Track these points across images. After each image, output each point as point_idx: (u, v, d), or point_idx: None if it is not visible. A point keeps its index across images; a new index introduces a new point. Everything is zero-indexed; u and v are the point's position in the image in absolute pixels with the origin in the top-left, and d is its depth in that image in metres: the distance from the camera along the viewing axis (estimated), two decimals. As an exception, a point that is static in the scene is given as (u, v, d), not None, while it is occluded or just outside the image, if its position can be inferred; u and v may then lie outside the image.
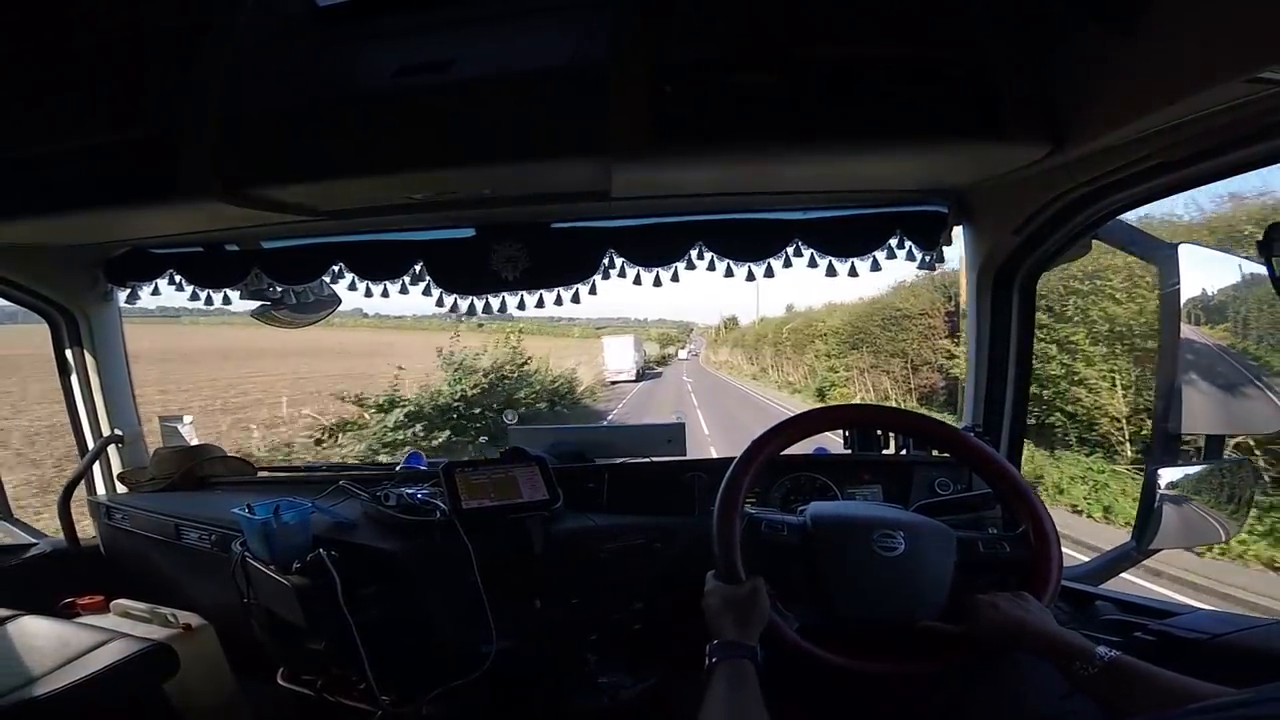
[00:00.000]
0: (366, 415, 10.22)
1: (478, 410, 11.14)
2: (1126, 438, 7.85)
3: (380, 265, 1.84)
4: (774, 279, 1.79)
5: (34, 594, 1.66)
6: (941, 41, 1.22)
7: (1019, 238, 1.52)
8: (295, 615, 1.35)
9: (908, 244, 1.71)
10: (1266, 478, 5.57)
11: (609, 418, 15.92)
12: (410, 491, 1.56)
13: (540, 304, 1.86)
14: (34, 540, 2.03)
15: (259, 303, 2.02)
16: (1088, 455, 8.07)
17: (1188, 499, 1.29)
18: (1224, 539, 1.39)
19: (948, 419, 1.92)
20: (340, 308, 2.16)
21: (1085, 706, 0.88)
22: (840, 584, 1.07)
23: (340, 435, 9.94)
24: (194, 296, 1.97)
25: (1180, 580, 5.32)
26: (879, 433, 1.82)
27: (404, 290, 1.87)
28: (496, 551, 1.44)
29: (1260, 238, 1.06)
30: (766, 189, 1.62)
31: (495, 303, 1.88)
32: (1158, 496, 1.27)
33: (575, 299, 1.85)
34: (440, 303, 1.87)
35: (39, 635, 1.45)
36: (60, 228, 1.69)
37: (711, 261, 1.75)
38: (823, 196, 1.68)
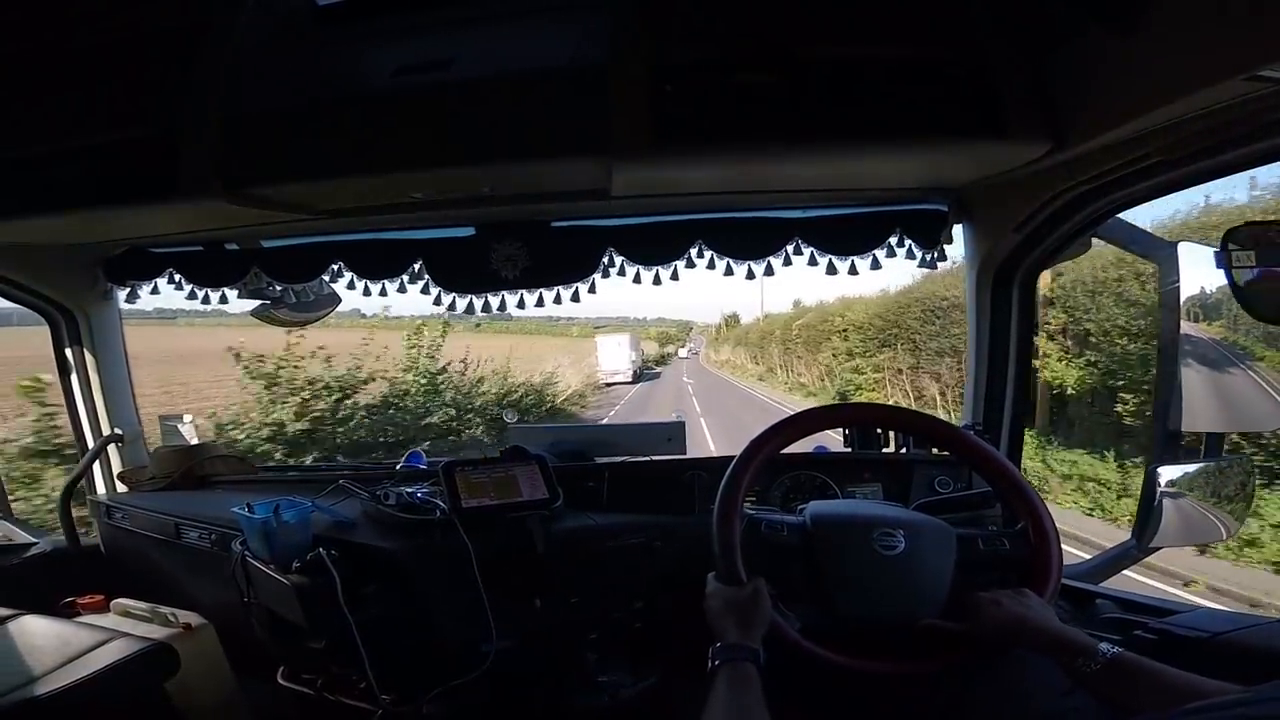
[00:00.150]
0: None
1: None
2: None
3: (380, 264, 1.84)
4: (779, 274, 1.79)
5: (34, 593, 1.66)
6: (941, 41, 1.22)
7: (1019, 236, 1.52)
8: (295, 614, 1.35)
9: (908, 242, 1.71)
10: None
11: (597, 426, 15.06)
12: (410, 490, 1.56)
13: (540, 303, 1.86)
14: (34, 540, 2.03)
15: (258, 302, 2.02)
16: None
17: (1188, 497, 1.29)
18: (1225, 537, 1.39)
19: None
20: (339, 307, 2.16)
21: (1086, 704, 0.88)
22: (841, 583, 1.07)
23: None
24: (192, 295, 1.97)
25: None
26: (879, 431, 1.82)
27: (402, 289, 1.86)
28: (496, 550, 1.44)
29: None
30: (766, 188, 1.62)
31: (495, 302, 1.88)
32: (1158, 494, 1.27)
33: (575, 298, 1.85)
34: (439, 301, 1.87)
35: (39, 635, 1.45)
36: (60, 227, 1.69)
37: (711, 260, 1.75)
38: (822, 195, 1.67)
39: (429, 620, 1.45)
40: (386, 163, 1.40)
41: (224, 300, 1.98)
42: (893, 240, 1.71)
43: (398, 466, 1.93)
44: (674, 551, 1.51)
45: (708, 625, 1.03)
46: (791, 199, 1.69)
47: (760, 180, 1.56)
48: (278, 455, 5.85)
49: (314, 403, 6.50)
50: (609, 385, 24.64)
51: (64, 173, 1.46)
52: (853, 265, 1.74)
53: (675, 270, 1.78)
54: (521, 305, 1.88)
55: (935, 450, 1.71)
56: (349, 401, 7.00)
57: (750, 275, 1.76)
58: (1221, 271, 1.10)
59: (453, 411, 9.00)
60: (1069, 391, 8.53)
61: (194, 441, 2.16)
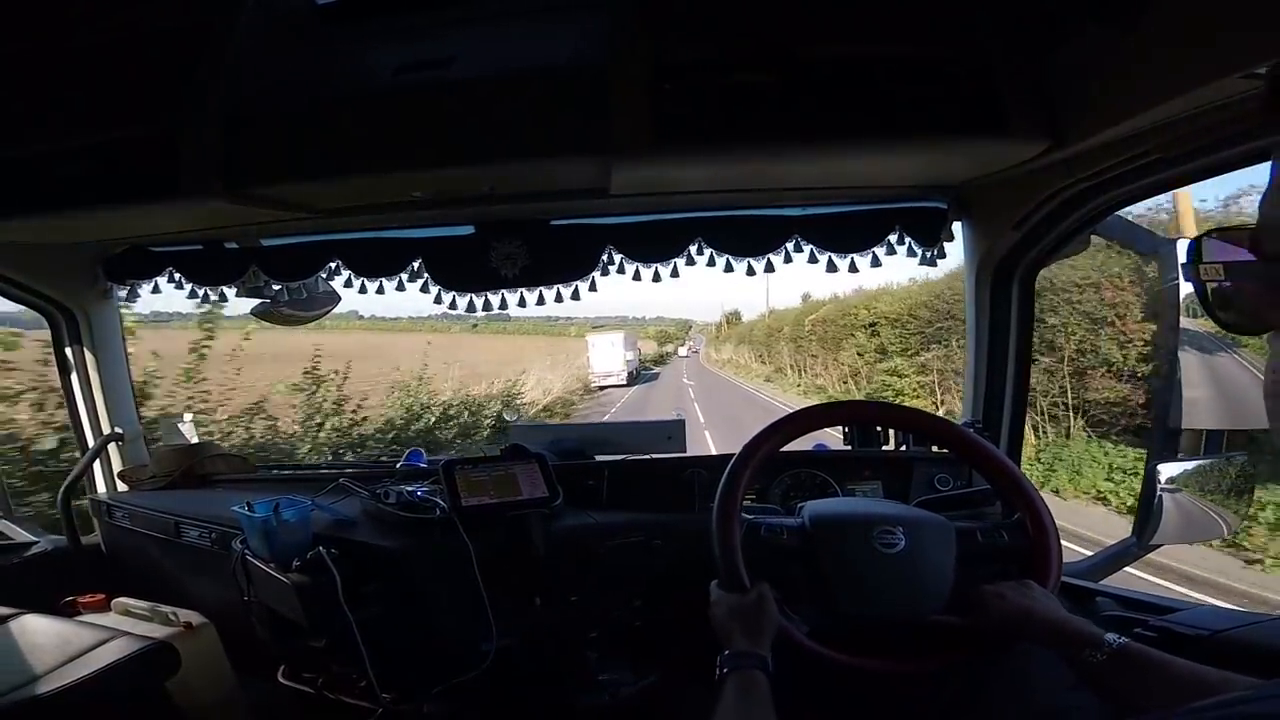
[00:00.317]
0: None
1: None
2: None
3: (379, 263, 1.84)
4: (786, 267, 1.79)
5: (35, 592, 1.66)
6: (941, 39, 1.22)
7: (1018, 233, 1.52)
8: (296, 613, 1.36)
9: (908, 240, 1.71)
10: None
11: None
12: (410, 489, 1.56)
13: (541, 301, 1.86)
14: (35, 539, 2.03)
15: (256, 300, 2.02)
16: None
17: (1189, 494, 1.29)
18: (1225, 533, 1.38)
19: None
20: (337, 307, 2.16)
21: (1089, 702, 0.88)
22: (844, 583, 1.06)
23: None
24: (191, 294, 1.97)
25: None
26: (878, 428, 1.82)
27: (401, 288, 1.86)
28: (496, 549, 1.44)
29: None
30: (765, 186, 1.62)
31: (495, 300, 1.88)
32: (1158, 491, 1.27)
33: (575, 296, 1.85)
34: (438, 300, 1.87)
35: (40, 634, 1.45)
36: (60, 226, 1.69)
37: (711, 257, 1.75)
38: (821, 193, 1.67)
39: (429, 619, 1.46)
40: (386, 162, 1.40)
41: (223, 299, 1.98)
42: (892, 238, 1.71)
43: (398, 465, 1.93)
44: (674, 550, 1.51)
45: (714, 633, 1.02)
46: (791, 197, 1.69)
47: (759, 178, 1.56)
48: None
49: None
50: (602, 388, 23.18)
51: (64, 172, 1.46)
52: (852, 263, 1.74)
53: (675, 268, 1.78)
54: (522, 304, 1.88)
55: (935, 448, 1.72)
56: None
57: (750, 272, 1.76)
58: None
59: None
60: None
61: (194, 440, 2.17)
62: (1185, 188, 2.70)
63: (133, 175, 1.42)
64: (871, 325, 14.59)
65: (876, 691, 1.11)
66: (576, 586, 1.50)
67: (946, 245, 1.72)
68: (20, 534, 2.06)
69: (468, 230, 1.81)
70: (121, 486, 2.08)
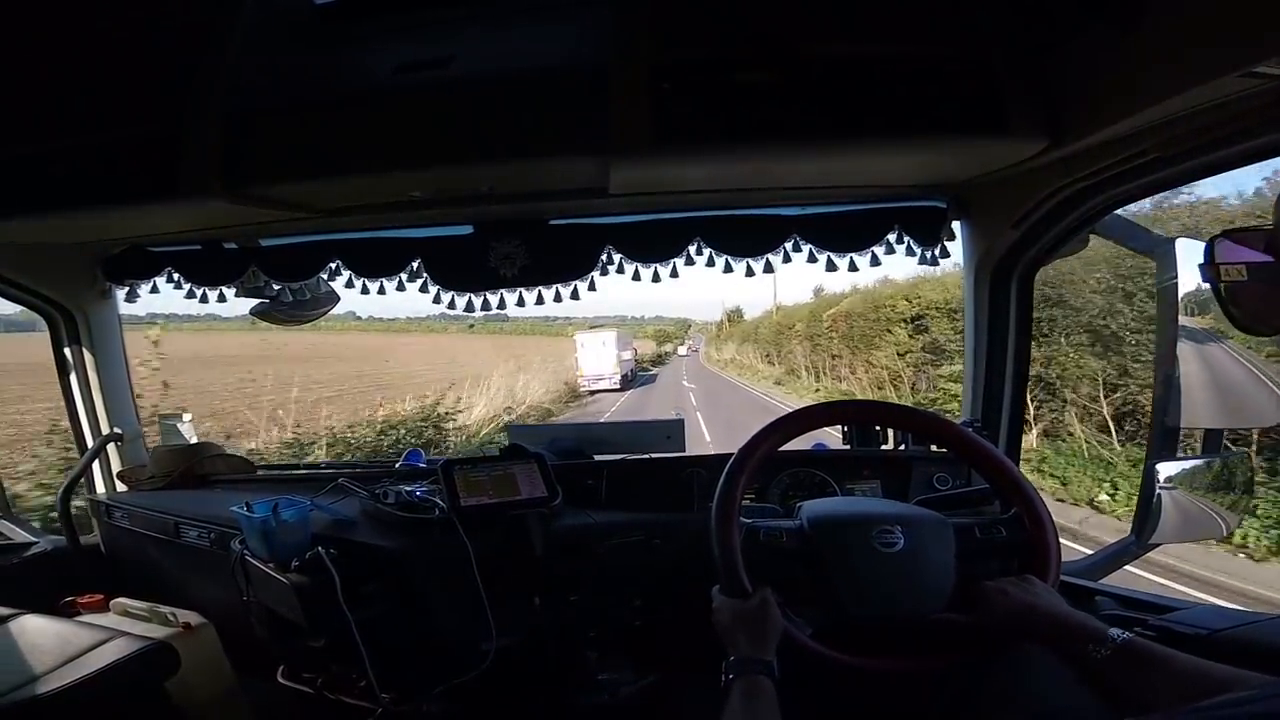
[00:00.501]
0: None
1: None
2: None
3: (378, 263, 1.84)
4: (791, 264, 1.79)
5: (34, 593, 1.66)
6: (940, 39, 1.22)
7: (1017, 232, 1.52)
8: (295, 613, 1.36)
9: (906, 239, 1.71)
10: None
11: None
12: (409, 489, 1.56)
13: (540, 301, 1.86)
14: (34, 539, 2.03)
15: (255, 300, 2.02)
16: None
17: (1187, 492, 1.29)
18: (1224, 532, 1.38)
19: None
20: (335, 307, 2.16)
21: (1090, 702, 0.88)
22: (846, 584, 1.06)
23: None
24: (190, 295, 1.97)
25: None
26: (877, 428, 1.82)
27: (401, 287, 1.86)
28: (495, 549, 1.44)
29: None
30: (765, 185, 1.61)
31: (494, 300, 1.88)
32: (1157, 490, 1.27)
33: (574, 295, 1.85)
34: (438, 300, 1.87)
35: (39, 634, 1.45)
36: (59, 226, 1.69)
37: (710, 257, 1.76)
38: (821, 193, 1.68)
39: (428, 619, 1.46)
40: (386, 161, 1.40)
41: (222, 299, 1.98)
42: (891, 237, 1.71)
43: (397, 465, 1.94)
44: (673, 549, 1.51)
45: (714, 633, 1.02)
46: (790, 196, 1.69)
47: (759, 178, 1.56)
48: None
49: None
50: (592, 393, 20.94)
51: (63, 172, 1.46)
52: (851, 262, 1.75)
53: (674, 268, 1.78)
54: (521, 303, 1.88)
55: (934, 447, 1.72)
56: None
57: (750, 273, 1.76)
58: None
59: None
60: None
61: (193, 440, 2.17)
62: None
63: (132, 175, 1.42)
64: (916, 319, 12.11)
65: (881, 692, 1.11)
66: (576, 586, 1.50)
67: (947, 244, 1.73)
68: (19, 534, 2.06)
69: (467, 230, 1.81)
70: (121, 487, 2.08)
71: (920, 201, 1.68)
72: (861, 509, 1.20)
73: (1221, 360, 1.24)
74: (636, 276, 1.80)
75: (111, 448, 2.09)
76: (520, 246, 1.77)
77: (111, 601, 1.69)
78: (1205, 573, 5.14)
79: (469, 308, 1.88)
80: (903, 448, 1.77)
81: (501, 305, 1.90)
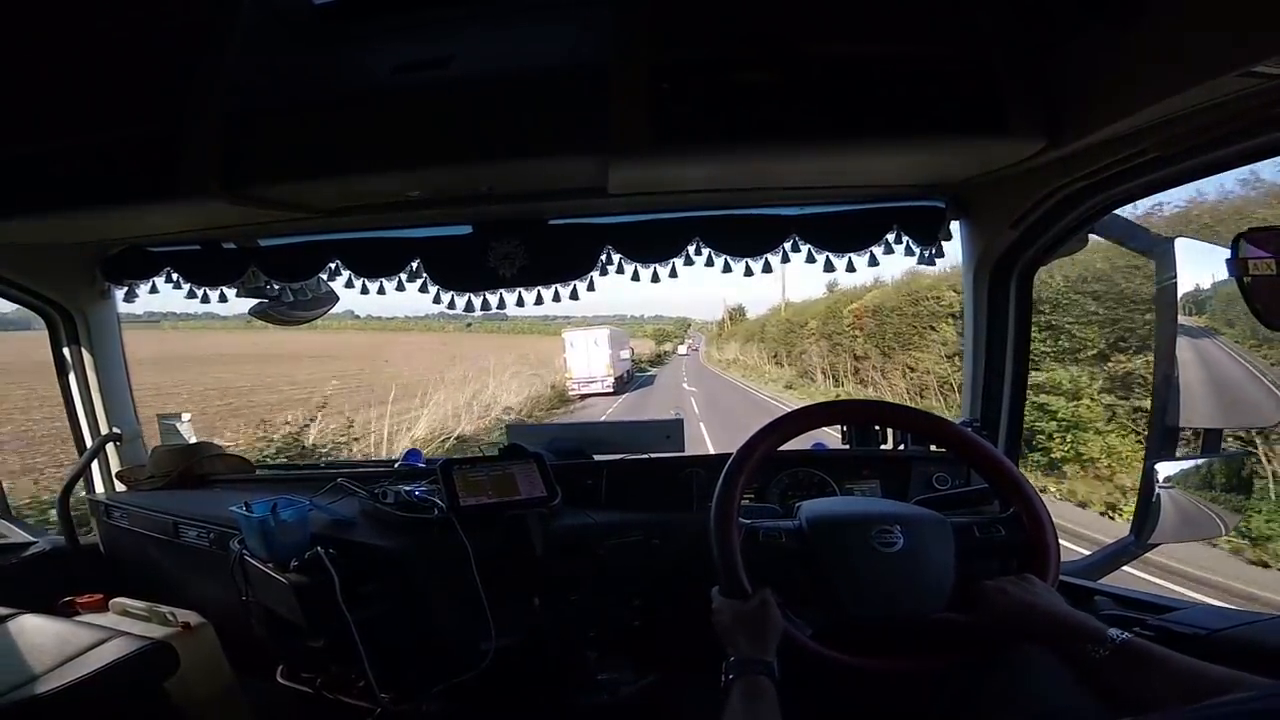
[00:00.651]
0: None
1: None
2: None
3: (377, 263, 1.84)
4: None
5: (33, 592, 1.66)
6: (939, 39, 1.22)
7: (1015, 232, 1.52)
8: (294, 613, 1.36)
9: (905, 239, 1.71)
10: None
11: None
12: (408, 489, 1.56)
13: (539, 300, 1.86)
14: (33, 539, 2.03)
15: (255, 300, 2.02)
16: None
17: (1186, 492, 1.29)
18: (1223, 531, 1.38)
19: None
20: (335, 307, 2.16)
21: (1089, 703, 0.88)
22: (845, 584, 1.06)
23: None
24: (190, 295, 1.97)
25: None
26: (876, 428, 1.82)
27: (400, 287, 1.86)
28: (495, 549, 1.44)
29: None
30: (764, 185, 1.62)
31: (493, 300, 1.88)
32: (1156, 490, 1.27)
33: (574, 295, 1.85)
34: (437, 300, 1.87)
35: (38, 634, 1.45)
36: (58, 226, 1.69)
37: (709, 257, 1.76)
38: (820, 192, 1.68)
39: (428, 619, 1.46)
40: (385, 161, 1.40)
41: (223, 299, 1.98)
42: (890, 237, 1.71)
43: (396, 465, 1.93)
44: (673, 549, 1.51)
45: (714, 633, 1.02)
46: (789, 196, 1.69)
47: (758, 178, 1.56)
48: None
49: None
50: (583, 397, 19.09)
51: (62, 172, 1.46)
52: (850, 262, 1.75)
53: (673, 267, 1.78)
54: (520, 303, 1.88)
55: (933, 447, 1.72)
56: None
57: (748, 272, 1.76)
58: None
59: None
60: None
61: (192, 440, 2.17)
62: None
63: (131, 175, 1.42)
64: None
65: (881, 692, 1.11)
66: (575, 586, 1.50)
67: (945, 244, 1.73)
68: (18, 534, 2.05)
69: (466, 230, 1.81)
70: (120, 486, 2.08)
71: (919, 201, 1.68)
72: (861, 509, 1.20)
73: (1220, 359, 1.24)
74: (636, 276, 1.80)
75: (110, 447, 2.09)
76: (519, 246, 1.77)
77: (110, 601, 1.69)
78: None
79: (468, 307, 1.88)
80: (902, 447, 1.77)
81: (501, 305, 1.90)
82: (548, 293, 1.84)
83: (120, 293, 2.06)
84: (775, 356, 23.46)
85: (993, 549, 1.11)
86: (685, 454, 1.83)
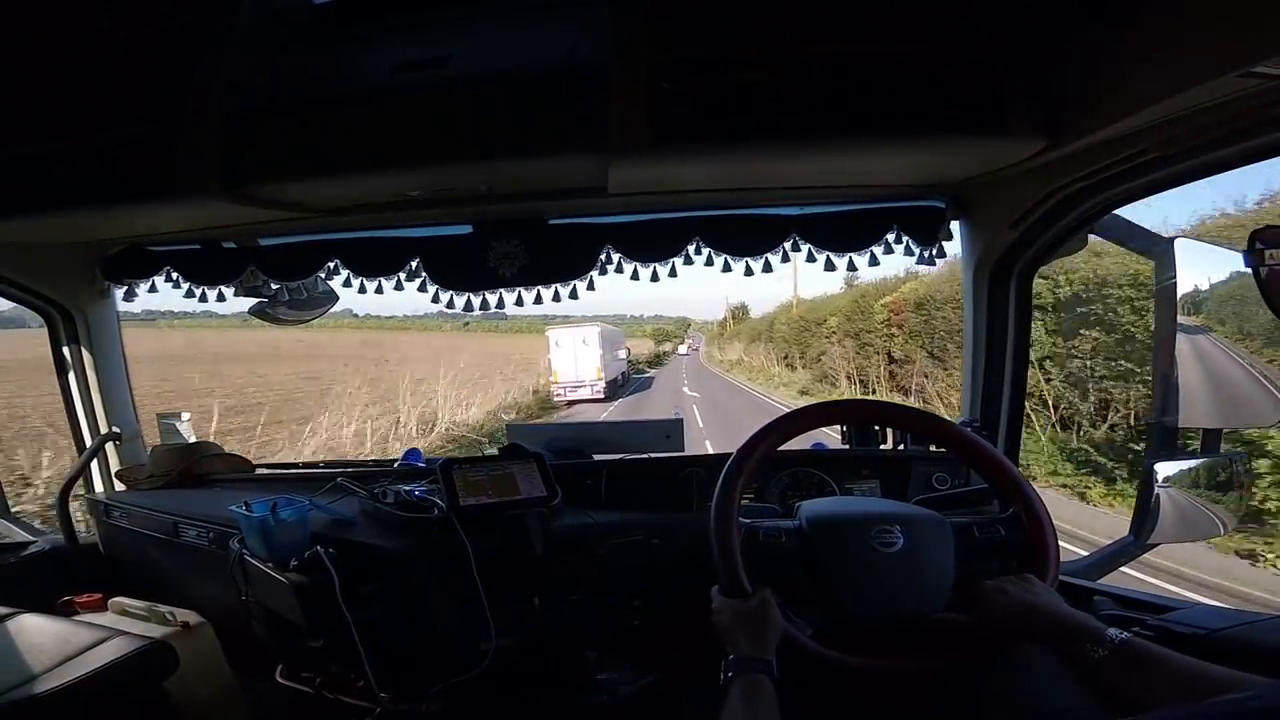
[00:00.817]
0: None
1: None
2: None
3: (377, 262, 1.84)
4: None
5: (32, 592, 1.66)
6: (939, 38, 1.22)
7: (1015, 232, 1.52)
8: (294, 613, 1.36)
9: (905, 239, 1.71)
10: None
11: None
12: (408, 489, 1.56)
13: (539, 300, 1.86)
14: (32, 538, 2.03)
15: (254, 300, 2.02)
16: None
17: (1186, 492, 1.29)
18: (1222, 531, 1.39)
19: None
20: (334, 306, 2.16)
21: (1089, 703, 0.88)
22: (846, 584, 1.06)
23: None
24: (189, 294, 1.97)
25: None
26: (876, 428, 1.82)
27: (399, 287, 1.86)
28: (495, 549, 1.44)
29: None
30: (764, 185, 1.62)
31: (493, 299, 1.88)
32: (1155, 490, 1.27)
33: (573, 295, 1.85)
34: (437, 299, 1.87)
35: (37, 633, 1.45)
36: (58, 226, 1.69)
37: (710, 256, 1.76)
38: (820, 192, 1.68)
39: (428, 619, 1.45)
40: (384, 161, 1.40)
41: (221, 298, 1.98)
42: (890, 237, 1.71)
43: (396, 464, 1.93)
44: (673, 549, 1.51)
45: (714, 633, 1.02)
46: (789, 196, 1.69)
47: (758, 177, 1.56)
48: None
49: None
50: (571, 404, 17.47)
51: (62, 172, 1.46)
52: (850, 262, 1.75)
53: (673, 267, 1.78)
54: (520, 303, 1.88)
55: (933, 447, 1.72)
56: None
57: (749, 271, 1.76)
58: (1232, 271, 1.11)
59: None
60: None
61: (192, 440, 2.16)
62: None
63: (131, 175, 1.42)
64: (1073, 303, 7.34)
65: (880, 692, 1.11)
66: (575, 586, 1.50)
67: (945, 244, 1.73)
68: (17, 533, 2.06)
69: (465, 230, 1.81)
70: (119, 486, 2.08)
71: (919, 201, 1.68)
72: (860, 509, 1.20)
73: (1218, 358, 1.24)
74: (635, 276, 1.80)
75: (110, 447, 2.09)
76: (519, 246, 1.77)
77: (110, 601, 1.69)
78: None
79: (468, 307, 1.88)
80: (901, 447, 1.77)
81: (500, 305, 1.90)
82: (547, 292, 1.84)
83: (120, 292, 2.06)
84: (786, 358, 21.75)
85: (992, 549, 1.11)
86: (685, 454, 1.83)
